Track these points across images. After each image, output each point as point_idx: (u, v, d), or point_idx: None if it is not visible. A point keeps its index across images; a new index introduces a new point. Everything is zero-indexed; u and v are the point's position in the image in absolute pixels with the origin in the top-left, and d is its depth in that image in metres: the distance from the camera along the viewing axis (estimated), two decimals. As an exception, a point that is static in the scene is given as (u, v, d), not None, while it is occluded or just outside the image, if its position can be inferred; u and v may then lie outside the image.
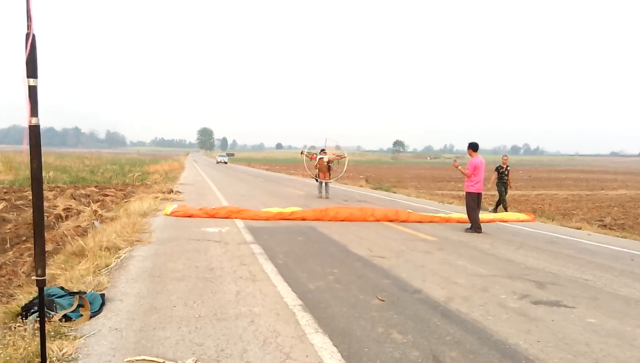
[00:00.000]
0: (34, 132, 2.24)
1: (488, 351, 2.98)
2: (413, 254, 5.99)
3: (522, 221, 9.97)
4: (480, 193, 8.17)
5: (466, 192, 8.22)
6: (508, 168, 12.03)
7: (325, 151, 13.83)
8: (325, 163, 13.44)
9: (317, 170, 13.71)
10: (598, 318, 3.70)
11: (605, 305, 4.06)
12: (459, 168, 8.42)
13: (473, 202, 8.06)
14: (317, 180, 14.03)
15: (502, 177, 12.01)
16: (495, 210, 11.84)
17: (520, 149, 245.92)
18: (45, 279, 2.28)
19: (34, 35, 2.25)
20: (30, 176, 2.27)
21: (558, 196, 19.39)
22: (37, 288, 4.21)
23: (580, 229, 9.29)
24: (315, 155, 13.88)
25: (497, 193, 12.35)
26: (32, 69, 2.24)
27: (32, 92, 2.24)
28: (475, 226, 8.01)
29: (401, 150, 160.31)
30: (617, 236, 8.61)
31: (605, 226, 10.67)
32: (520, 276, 5.01)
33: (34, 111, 2.23)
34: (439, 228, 8.50)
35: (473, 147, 8.19)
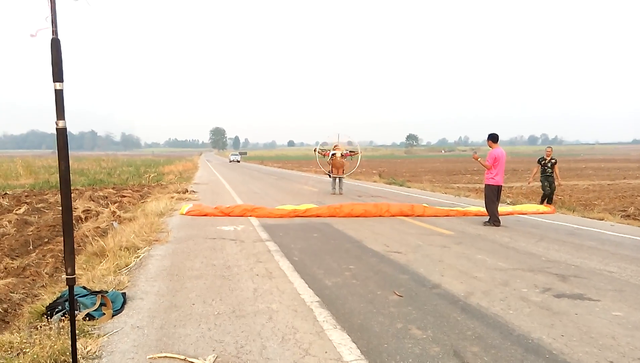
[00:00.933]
0: (61, 134, 2.29)
1: (510, 346, 2.92)
2: (430, 248, 5.92)
3: (542, 213, 9.76)
4: (500, 186, 8.01)
5: (485, 184, 8.07)
6: (552, 161, 10.96)
7: (339, 147, 13.85)
8: (339, 158, 13.45)
9: (330, 166, 13.75)
10: (624, 311, 3.59)
11: (631, 297, 3.94)
12: (479, 159, 8.27)
13: (492, 194, 7.90)
14: (330, 176, 14.04)
15: (545, 170, 11.05)
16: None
17: (538, 139, 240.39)
18: (75, 277, 2.33)
19: (59, 40, 2.29)
20: (59, 178, 2.32)
21: (578, 186, 18.88)
22: (60, 288, 4.34)
23: (602, 220, 9.03)
24: (328, 151, 13.92)
25: (543, 188, 11.28)
26: (57, 73, 2.28)
27: (59, 95, 2.29)
28: (493, 219, 7.87)
29: (415, 144, 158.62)
30: (642, 226, 8.34)
31: (629, 216, 10.35)
32: (542, 269, 4.90)
33: (60, 115, 2.28)
34: (456, 222, 8.38)
35: (493, 138, 8.01)
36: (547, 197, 11.13)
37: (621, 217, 9.76)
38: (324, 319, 3.36)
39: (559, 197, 14.23)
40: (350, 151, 14.14)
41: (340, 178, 13.69)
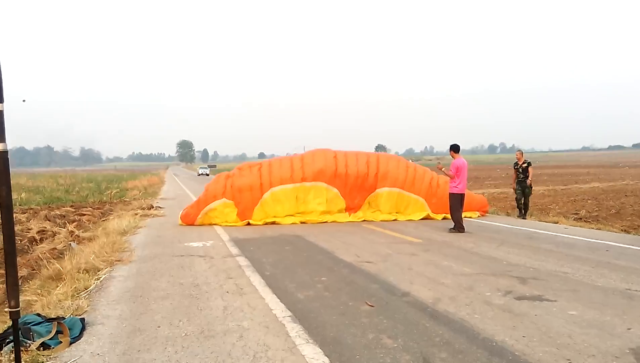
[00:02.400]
0: (2, 158, 2.15)
1: (476, 350, 3.02)
2: (399, 257, 6.04)
3: (481, 213, 10.46)
4: (463, 194, 8.34)
5: (450, 193, 8.37)
6: (524, 164, 10.42)
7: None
8: None
9: None
10: (579, 310, 3.81)
11: (584, 296, 4.19)
12: (443, 169, 8.57)
13: (457, 203, 8.21)
14: None
15: (518, 176, 10.52)
16: (523, 216, 10.44)
17: (497, 147, 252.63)
18: (19, 310, 2.18)
19: None
20: None
21: (535, 191, 19.95)
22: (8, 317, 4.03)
23: (557, 223, 9.58)
24: None
25: (516, 194, 10.68)
26: None
27: None
28: (458, 227, 8.15)
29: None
30: (592, 228, 8.92)
31: (581, 219, 11.02)
32: (503, 273, 5.12)
33: (1, 136, 2.14)
34: (423, 229, 8.60)
35: (455, 149, 8.36)
36: (521, 204, 10.49)
37: (574, 220, 10.39)
38: (296, 334, 3.33)
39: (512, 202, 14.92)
40: None
41: None
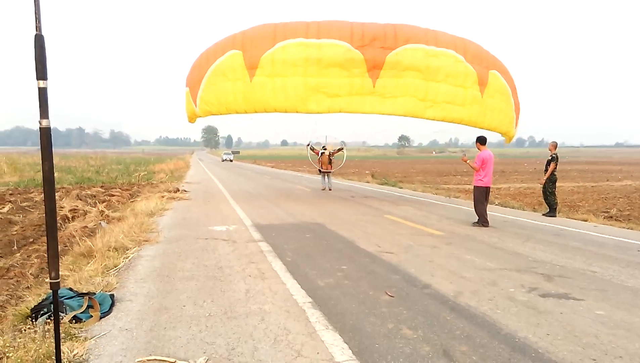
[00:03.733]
0: (45, 134, 2.24)
1: (498, 345, 2.98)
2: (421, 249, 5.99)
3: None
4: (489, 187, 8.14)
5: (474, 186, 8.20)
6: (549, 158, 9.68)
7: (326, 148, 15.12)
8: (327, 156, 14.83)
9: (320, 163, 15.09)
10: (606, 310, 3.69)
11: (613, 296, 4.05)
12: (468, 161, 8.39)
13: (481, 196, 8.04)
14: (320, 171, 15.35)
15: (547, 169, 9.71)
16: (554, 213, 9.62)
17: (525, 141, 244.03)
18: (59, 281, 2.29)
19: (42, 36, 2.23)
20: (42, 178, 2.26)
21: (564, 188, 19.25)
22: (45, 289, 4.27)
23: (586, 221, 9.23)
24: (318, 150, 15.20)
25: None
26: (41, 71, 2.22)
27: (42, 94, 2.23)
28: (482, 220, 7.99)
29: (406, 145, 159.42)
30: (623, 228, 8.55)
31: (611, 217, 10.58)
32: (528, 269, 5.00)
33: (44, 113, 2.22)
34: (446, 222, 8.48)
35: (481, 141, 8.16)
36: (547, 199, 9.79)
37: (604, 218, 9.98)
38: (316, 320, 3.38)
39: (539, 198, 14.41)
40: (337, 150, 15.33)
41: (328, 174, 15.14)
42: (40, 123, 2.23)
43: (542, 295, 4.04)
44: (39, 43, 2.21)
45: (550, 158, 9.72)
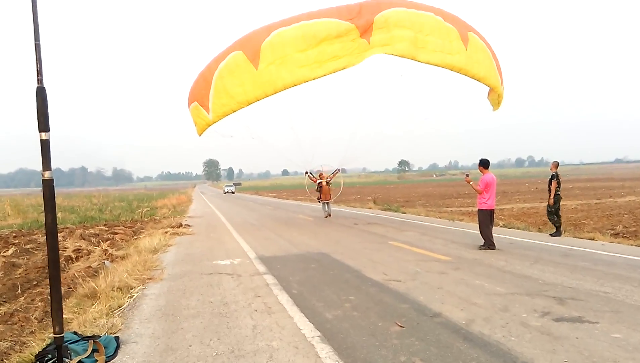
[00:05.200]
0: (48, 186, 2.24)
1: (515, 374, 2.89)
2: (428, 275, 5.91)
3: None
4: (493, 210, 8.11)
5: (478, 209, 8.16)
6: (550, 177, 9.71)
7: (323, 175, 15.79)
8: (324, 185, 15.48)
9: (318, 193, 15.79)
10: (623, 332, 3.60)
11: (628, 318, 3.96)
12: (471, 183, 8.37)
13: (486, 219, 7.99)
14: (319, 201, 16.13)
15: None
16: (559, 233, 9.57)
17: (525, 161, 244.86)
18: (63, 336, 2.25)
19: (44, 88, 2.27)
20: (45, 230, 2.25)
21: (567, 206, 19.14)
22: (50, 333, 4.18)
23: (593, 239, 9.12)
24: (316, 178, 15.77)
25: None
26: (43, 123, 2.23)
27: (45, 146, 2.23)
28: (488, 243, 7.92)
29: (406, 169, 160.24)
30: (632, 245, 8.45)
31: (618, 234, 10.46)
32: (539, 292, 4.91)
33: (46, 165, 2.23)
34: (452, 246, 8.40)
35: (484, 164, 8.15)
36: (550, 217, 9.74)
37: (610, 236, 9.86)
38: (326, 355, 3.30)
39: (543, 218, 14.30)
40: (334, 173, 15.96)
41: (327, 203, 15.86)
42: (43, 175, 2.24)
43: (555, 320, 3.95)
44: (41, 95, 2.24)
45: (551, 176, 9.75)
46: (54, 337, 2.22)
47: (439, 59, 10.19)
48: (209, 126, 10.88)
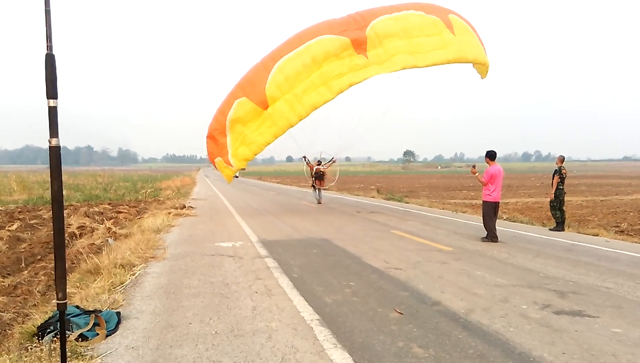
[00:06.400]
0: (54, 153, 2.24)
1: (513, 364, 2.89)
2: (430, 265, 5.90)
3: None
4: (498, 202, 8.05)
5: (483, 201, 8.11)
6: (554, 171, 9.68)
7: (320, 162, 15.92)
8: (321, 172, 15.82)
9: (313, 179, 16.07)
10: (623, 327, 3.58)
11: (629, 313, 3.93)
12: (477, 174, 8.31)
13: (490, 211, 7.94)
14: (314, 187, 16.52)
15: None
16: (560, 227, 9.51)
17: (532, 156, 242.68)
18: (66, 302, 2.27)
19: (53, 55, 2.26)
20: (51, 198, 2.26)
21: (572, 202, 19.00)
22: (52, 307, 4.24)
23: (597, 235, 9.06)
24: (312, 165, 15.92)
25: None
26: (52, 90, 2.24)
27: (52, 113, 2.24)
28: (491, 236, 7.88)
29: (412, 160, 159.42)
30: (636, 242, 8.39)
31: (623, 231, 10.39)
32: (540, 285, 4.89)
33: (53, 132, 2.23)
34: (454, 237, 8.38)
35: (490, 156, 8.08)
36: (553, 212, 9.67)
37: (615, 233, 9.79)
38: (325, 338, 3.31)
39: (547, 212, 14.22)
40: (330, 162, 16.14)
41: (319, 189, 16.38)
42: (49, 142, 2.24)
43: (555, 312, 3.94)
44: (50, 62, 2.24)
45: (554, 170, 9.72)
46: (57, 303, 2.24)
47: (436, 59, 10.39)
48: (236, 171, 11.66)
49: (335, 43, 9.75)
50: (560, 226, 9.60)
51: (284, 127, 10.11)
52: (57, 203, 2.23)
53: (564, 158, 9.97)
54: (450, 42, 10.46)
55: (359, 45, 9.87)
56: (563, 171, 9.67)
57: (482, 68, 11.83)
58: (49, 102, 2.24)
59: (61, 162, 2.27)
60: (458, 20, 10.92)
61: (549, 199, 9.95)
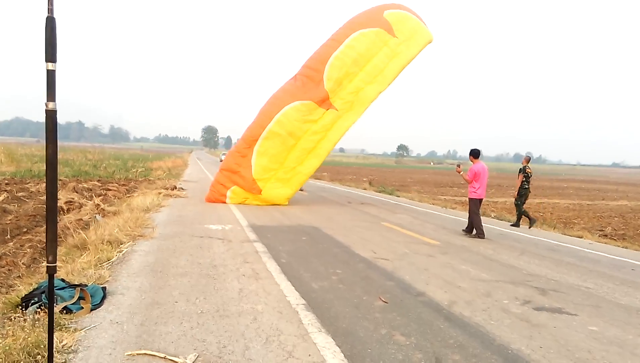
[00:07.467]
0: (51, 117, 2.20)
1: (491, 355, 2.97)
2: (416, 257, 5.98)
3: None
4: (481, 199, 8.22)
5: (469, 198, 8.24)
6: (519, 170, 10.12)
7: None
8: None
9: None
10: (600, 326, 3.69)
11: (607, 313, 4.05)
12: (461, 173, 8.42)
13: (476, 207, 8.10)
14: None
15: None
16: (517, 223, 10.10)
17: (523, 157, 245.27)
18: (56, 266, 2.24)
19: (54, 18, 2.21)
20: (45, 161, 2.23)
21: (559, 204, 19.32)
22: (37, 279, 4.20)
23: (581, 238, 9.27)
24: None
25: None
26: (51, 53, 2.19)
27: (50, 76, 2.20)
28: (478, 232, 8.01)
29: (405, 154, 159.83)
30: (618, 246, 8.59)
31: (606, 235, 10.64)
32: (523, 282, 5.00)
33: (51, 96, 2.20)
34: (442, 232, 8.48)
35: (474, 154, 8.21)
36: (518, 210, 10.07)
37: (599, 236, 10.02)
38: (309, 322, 3.36)
39: (541, 214, 14.52)
40: None
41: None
42: (46, 105, 2.20)
43: (536, 308, 4.03)
44: (51, 25, 2.19)
45: (518, 170, 10.21)
46: (47, 266, 2.23)
47: (395, 70, 10.61)
48: None
49: (302, 109, 10.23)
50: (517, 222, 10.25)
51: (285, 201, 11.15)
52: (52, 167, 2.20)
53: (529, 158, 10.59)
54: (397, 47, 10.58)
55: (323, 101, 10.30)
56: (528, 170, 10.14)
57: (429, 43, 11.88)
58: (47, 66, 2.20)
59: (57, 127, 2.24)
60: (394, 15, 10.83)
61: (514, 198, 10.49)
